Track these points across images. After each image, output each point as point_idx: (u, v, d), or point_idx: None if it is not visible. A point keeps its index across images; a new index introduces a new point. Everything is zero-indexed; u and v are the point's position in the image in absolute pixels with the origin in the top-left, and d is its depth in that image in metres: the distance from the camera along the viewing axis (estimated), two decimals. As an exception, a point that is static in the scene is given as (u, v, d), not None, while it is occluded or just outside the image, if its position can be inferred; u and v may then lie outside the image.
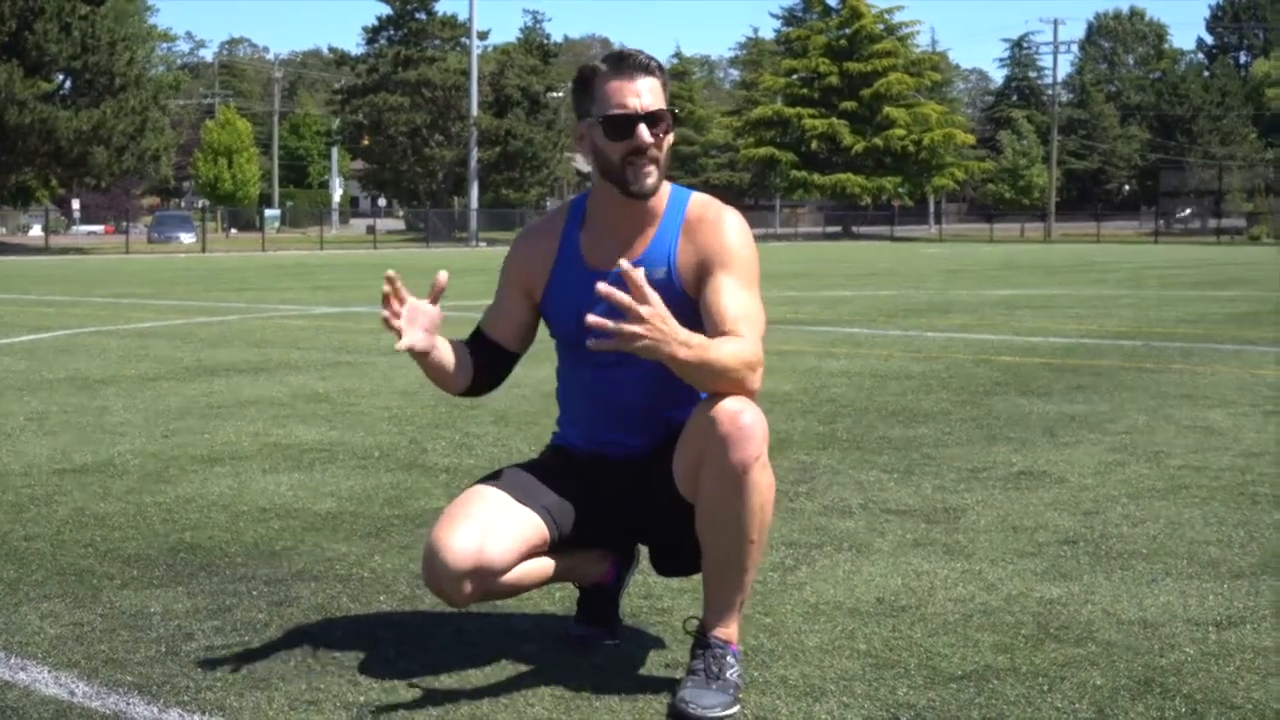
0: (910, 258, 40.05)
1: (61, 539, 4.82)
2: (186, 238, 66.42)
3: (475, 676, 3.37)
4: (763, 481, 3.12)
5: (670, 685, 3.28)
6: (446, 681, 3.34)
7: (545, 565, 3.39)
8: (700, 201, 3.34)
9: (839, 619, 3.85)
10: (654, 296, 2.92)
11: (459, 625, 3.79)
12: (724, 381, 3.07)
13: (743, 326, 3.15)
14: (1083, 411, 7.76)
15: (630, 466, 3.39)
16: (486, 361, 3.40)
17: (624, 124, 3.19)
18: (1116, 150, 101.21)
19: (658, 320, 2.91)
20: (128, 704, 3.20)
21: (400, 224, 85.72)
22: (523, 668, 3.41)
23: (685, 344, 2.97)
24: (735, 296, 3.20)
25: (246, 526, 5.02)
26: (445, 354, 3.31)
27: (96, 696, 3.25)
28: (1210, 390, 8.66)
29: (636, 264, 3.11)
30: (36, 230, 69.53)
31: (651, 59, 3.24)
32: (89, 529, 4.97)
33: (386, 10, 75.99)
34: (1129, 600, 4.02)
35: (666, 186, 3.32)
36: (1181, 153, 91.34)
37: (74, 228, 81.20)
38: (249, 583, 4.27)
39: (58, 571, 4.39)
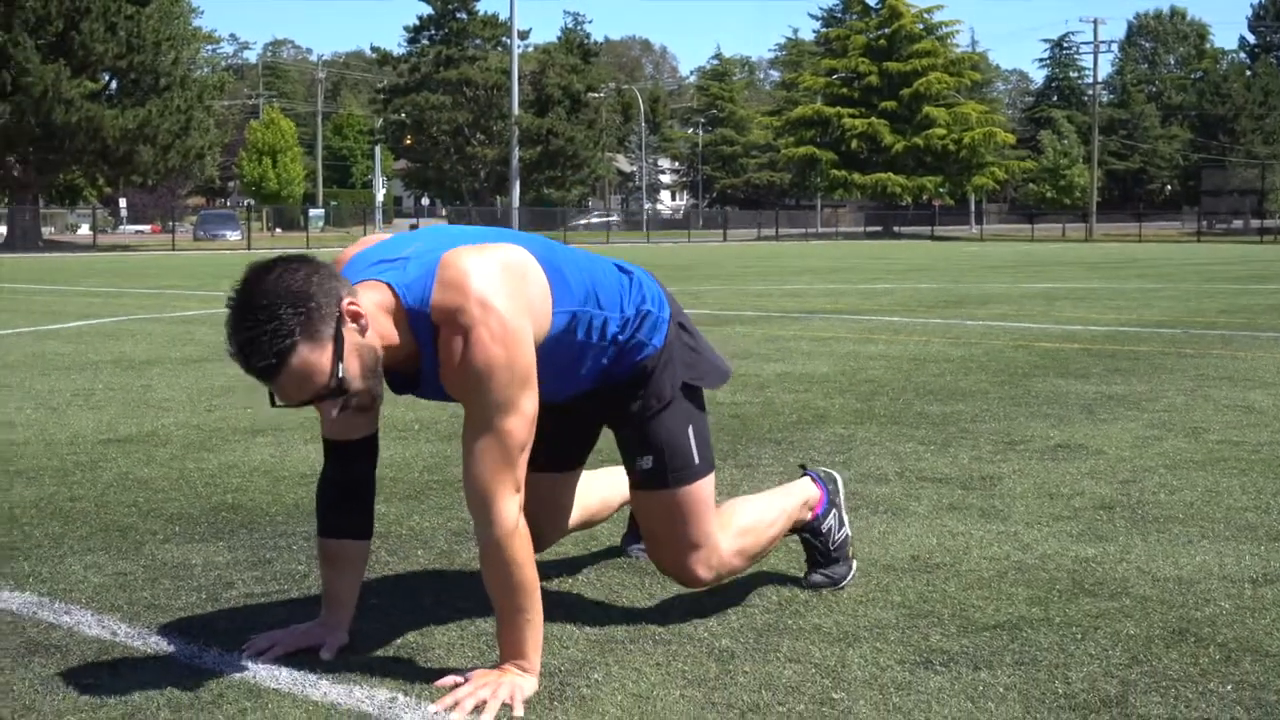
0: (950, 255, 39.93)
1: (106, 500, 4.89)
2: (232, 235, 66.86)
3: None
4: (735, 568, 3.53)
5: (697, 628, 3.38)
6: (481, 627, 3.37)
7: (608, 499, 3.85)
8: (439, 317, 2.88)
9: (874, 574, 3.87)
10: (464, 692, 2.86)
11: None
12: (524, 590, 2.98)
13: (479, 505, 2.91)
14: (1121, 391, 7.74)
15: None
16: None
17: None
18: (1158, 150, 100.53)
19: (483, 690, 2.87)
20: (168, 644, 3.25)
21: (442, 224, 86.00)
22: (556, 612, 3.43)
23: (523, 668, 2.95)
24: (472, 455, 2.92)
25: (287, 490, 5.08)
26: (351, 582, 3.26)
27: (138, 637, 3.31)
28: (1250, 373, 8.62)
29: (423, 379, 3.00)
30: (85, 230, 70.14)
31: (250, 371, 2.78)
32: (133, 491, 5.05)
33: (428, 10, 76.29)
34: (1164, 559, 4.02)
35: (389, 302, 2.90)
36: (1224, 152, 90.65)
37: (121, 226, 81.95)
38: (289, 538, 4.32)
39: (102, 528, 4.46)
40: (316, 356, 2.76)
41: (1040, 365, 9.08)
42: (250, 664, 3.08)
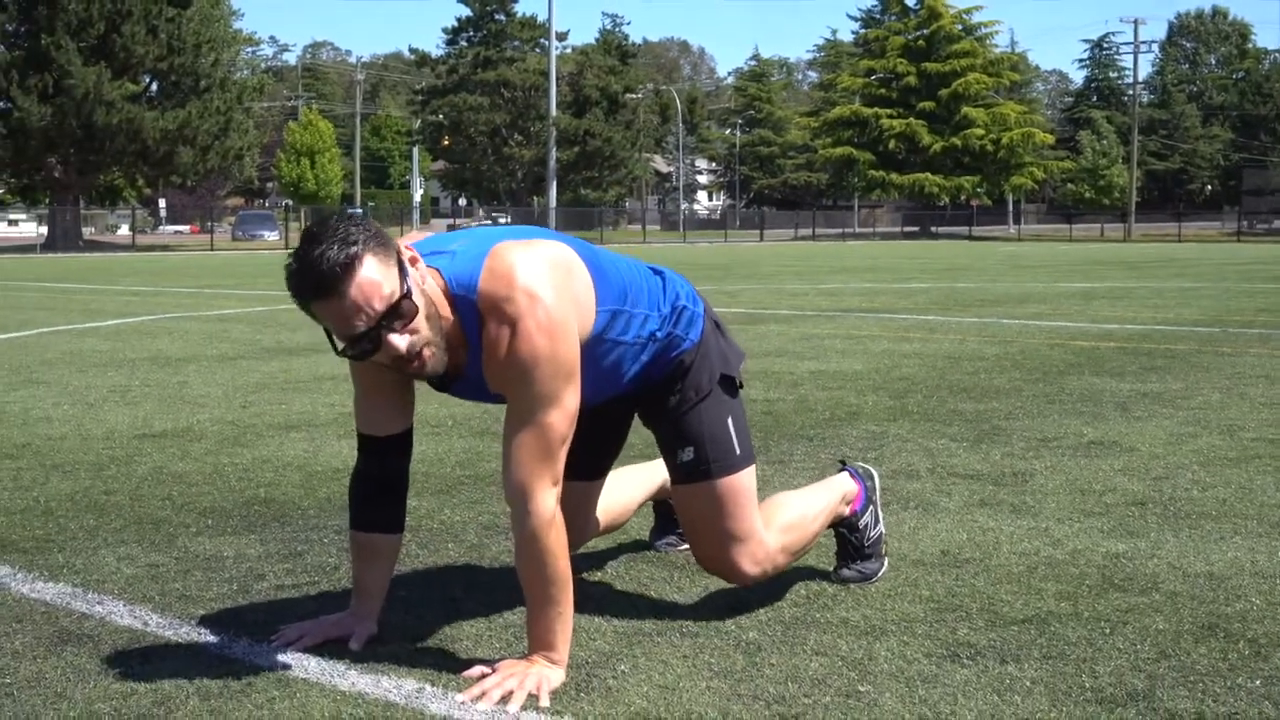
0: (987, 255, 39.78)
1: (140, 493, 4.93)
2: (270, 236, 67.20)
3: (539, 614, 3.42)
4: (780, 565, 3.52)
5: (724, 621, 3.39)
6: (509, 619, 3.39)
7: (630, 501, 3.84)
8: (485, 305, 2.90)
9: (903, 569, 3.86)
10: (490, 683, 2.87)
11: (525, 570, 3.85)
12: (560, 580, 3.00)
13: (517, 496, 2.93)
14: (1156, 389, 7.70)
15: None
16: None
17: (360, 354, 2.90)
18: (1198, 150, 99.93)
19: (509, 681, 2.88)
20: (199, 634, 3.28)
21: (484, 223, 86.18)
22: (585, 604, 3.44)
23: (551, 659, 2.96)
24: (512, 447, 2.93)
25: (320, 484, 5.11)
26: (382, 574, 3.27)
27: (169, 627, 3.33)
28: (1289, 372, 8.56)
29: (465, 375, 3.00)
30: (124, 230, 70.59)
31: (320, 280, 2.74)
32: (167, 485, 5.09)
33: (466, 12, 76.46)
34: (1196, 555, 4.00)
35: (440, 297, 2.92)
36: (1265, 152, 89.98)
37: (160, 227, 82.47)
38: (320, 531, 4.35)
39: (135, 520, 4.50)
40: (385, 269, 2.77)
41: (1075, 363, 9.04)
42: (279, 654, 3.10)
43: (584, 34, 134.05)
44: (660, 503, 4.08)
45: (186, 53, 52.41)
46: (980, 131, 76.04)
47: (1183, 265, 29.59)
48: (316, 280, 2.74)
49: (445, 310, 2.91)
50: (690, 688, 2.91)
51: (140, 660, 3.08)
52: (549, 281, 2.89)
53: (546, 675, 2.91)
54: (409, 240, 3.09)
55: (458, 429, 6.41)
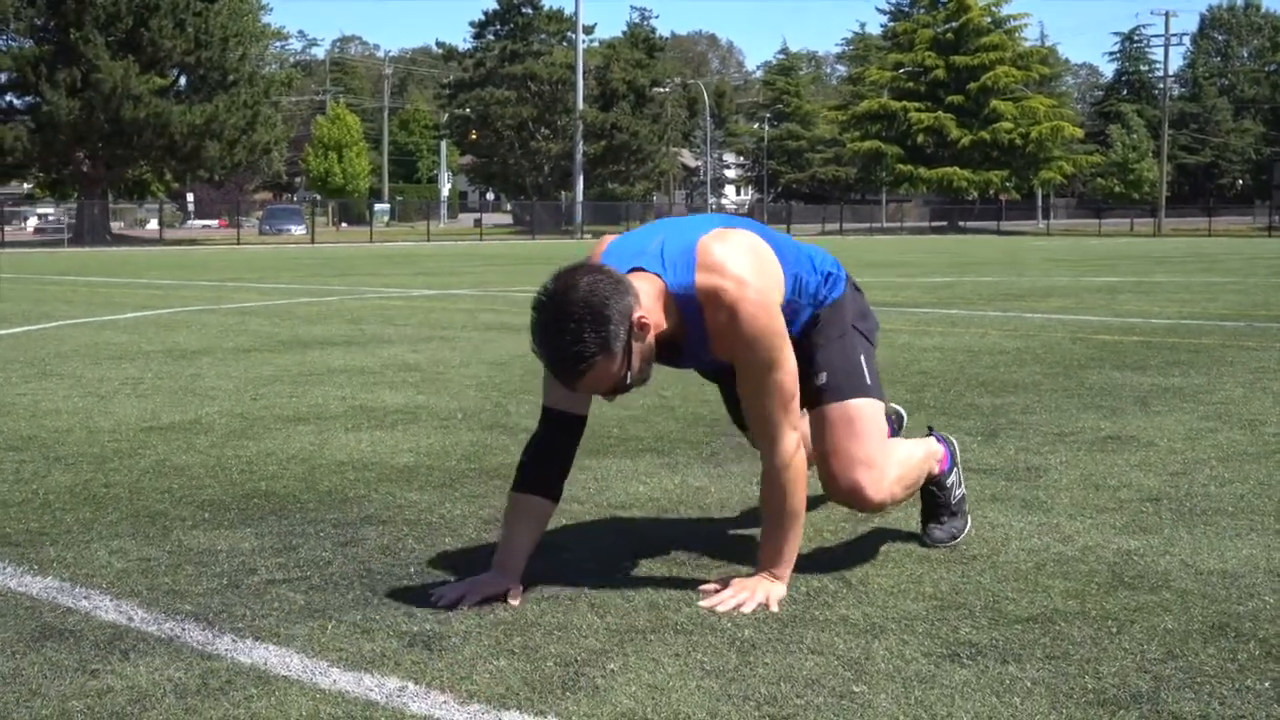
0: (1015, 249, 39.55)
1: (140, 486, 4.88)
2: (296, 230, 67.30)
3: (531, 612, 3.34)
4: (895, 497, 3.76)
5: (720, 618, 3.31)
6: (500, 615, 3.32)
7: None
8: (704, 297, 3.37)
9: (907, 565, 3.79)
10: (725, 595, 3.42)
11: (521, 565, 3.77)
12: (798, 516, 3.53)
13: (763, 440, 3.48)
14: (1178, 384, 7.59)
15: None
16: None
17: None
18: (1230, 144, 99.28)
19: (742, 593, 3.41)
20: (183, 629, 3.22)
21: (508, 218, 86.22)
22: (578, 601, 3.38)
23: (776, 575, 3.48)
24: (752, 404, 3.47)
25: (322, 477, 5.05)
26: (532, 536, 3.58)
27: (153, 622, 3.27)
28: (1314, 366, 8.43)
29: (683, 351, 3.49)
30: (153, 224, 70.84)
31: (557, 372, 3.28)
32: (168, 478, 5.03)
33: (494, 5, 76.47)
34: (1209, 553, 3.91)
35: (659, 290, 3.37)
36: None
37: (188, 221, 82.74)
38: (317, 525, 4.29)
39: (132, 514, 4.44)
40: (609, 366, 3.24)
41: (1096, 357, 8.93)
42: (261, 651, 3.04)
43: (611, 27, 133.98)
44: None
45: (214, 47, 52.58)
46: (1009, 125, 75.68)
47: (1211, 260, 29.36)
48: (555, 370, 3.27)
49: (662, 319, 3.35)
50: (680, 687, 2.83)
51: (120, 657, 3.02)
52: (751, 267, 3.39)
53: (772, 589, 3.40)
54: (609, 240, 3.56)
55: (466, 422, 6.34)
